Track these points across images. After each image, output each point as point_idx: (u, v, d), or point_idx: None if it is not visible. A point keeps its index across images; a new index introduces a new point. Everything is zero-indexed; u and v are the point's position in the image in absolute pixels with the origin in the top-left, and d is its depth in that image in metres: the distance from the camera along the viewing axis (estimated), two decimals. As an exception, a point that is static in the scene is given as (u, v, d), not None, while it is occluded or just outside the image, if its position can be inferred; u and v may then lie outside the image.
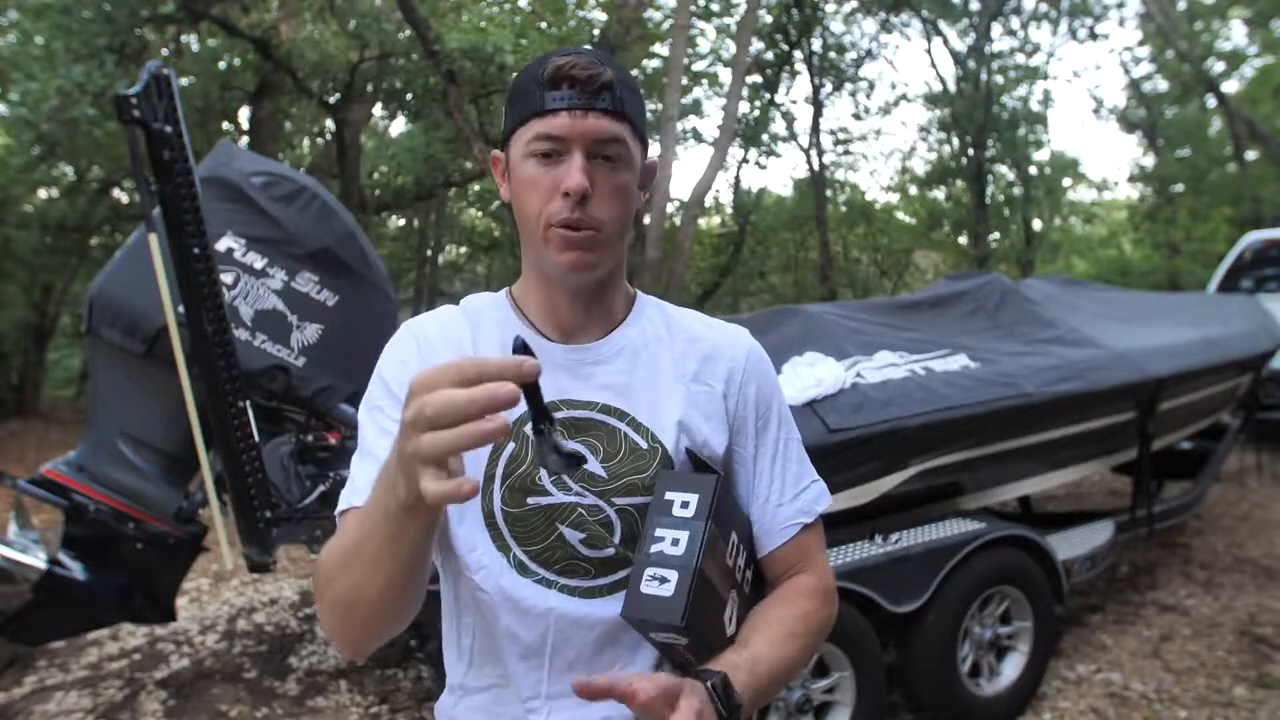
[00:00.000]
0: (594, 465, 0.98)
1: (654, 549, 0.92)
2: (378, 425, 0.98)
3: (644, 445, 1.00)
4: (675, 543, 0.91)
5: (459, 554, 0.98)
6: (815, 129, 16.42)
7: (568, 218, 0.93)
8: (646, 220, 8.64)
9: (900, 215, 19.79)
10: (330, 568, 0.87)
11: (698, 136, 16.19)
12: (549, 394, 0.99)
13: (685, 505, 0.93)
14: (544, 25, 9.04)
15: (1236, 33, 20.77)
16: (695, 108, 15.61)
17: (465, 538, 0.97)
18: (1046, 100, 17.86)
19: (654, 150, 1.07)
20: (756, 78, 15.02)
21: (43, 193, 10.76)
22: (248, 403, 2.92)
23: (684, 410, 1.02)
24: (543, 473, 0.98)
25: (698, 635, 0.90)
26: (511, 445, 0.97)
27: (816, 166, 16.57)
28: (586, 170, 0.93)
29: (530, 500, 0.97)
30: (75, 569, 2.98)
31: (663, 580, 0.89)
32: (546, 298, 1.02)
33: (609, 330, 1.04)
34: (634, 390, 1.02)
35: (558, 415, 0.98)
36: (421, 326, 1.04)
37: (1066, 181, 19.34)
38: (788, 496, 1.06)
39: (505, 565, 0.96)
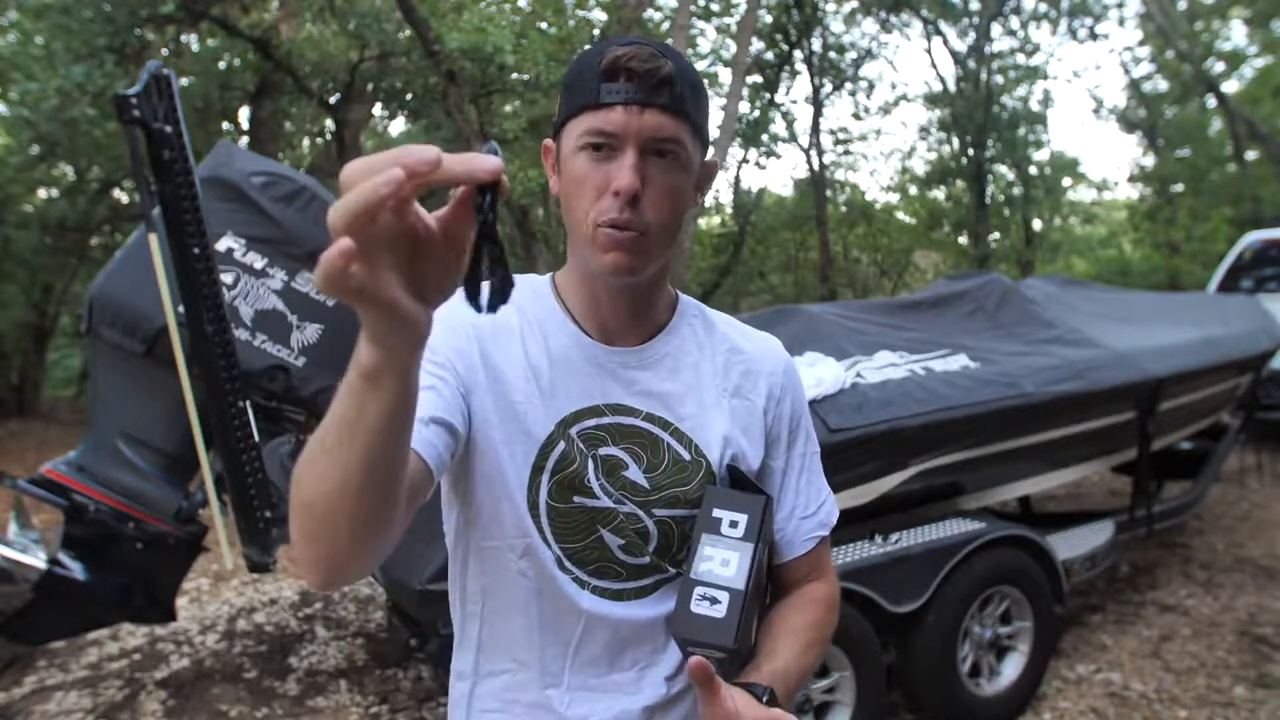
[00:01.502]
0: (635, 474, 0.98)
1: (704, 567, 0.92)
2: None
3: (687, 457, 0.99)
4: (725, 563, 0.92)
5: (505, 535, 0.97)
6: (815, 129, 16.43)
7: (615, 218, 0.89)
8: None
9: (900, 215, 19.77)
10: (296, 473, 0.75)
11: (698, 136, 16.17)
12: (592, 395, 0.98)
13: (734, 525, 0.94)
14: (544, 25, 9.02)
15: (1236, 33, 20.79)
16: (695, 108, 15.57)
17: (514, 521, 0.96)
18: (1046, 100, 17.93)
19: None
20: (756, 78, 15.01)
21: (43, 193, 10.76)
22: (248, 403, 2.92)
23: (728, 426, 1.02)
24: (590, 475, 0.96)
25: (740, 657, 0.92)
26: (562, 445, 0.96)
27: (816, 166, 16.57)
28: (639, 169, 0.88)
29: (576, 499, 0.97)
30: (75, 569, 2.98)
31: (714, 601, 0.90)
32: (589, 295, 1.00)
33: (651, 335, 1.03)
34: (677, 400, 1.01)
35: (600, 421, 0.98)
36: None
37: (1066, 181, 19.37)
38: (810, 509, 1.08)
39: (549, 557, 0.97)
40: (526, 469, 0.95)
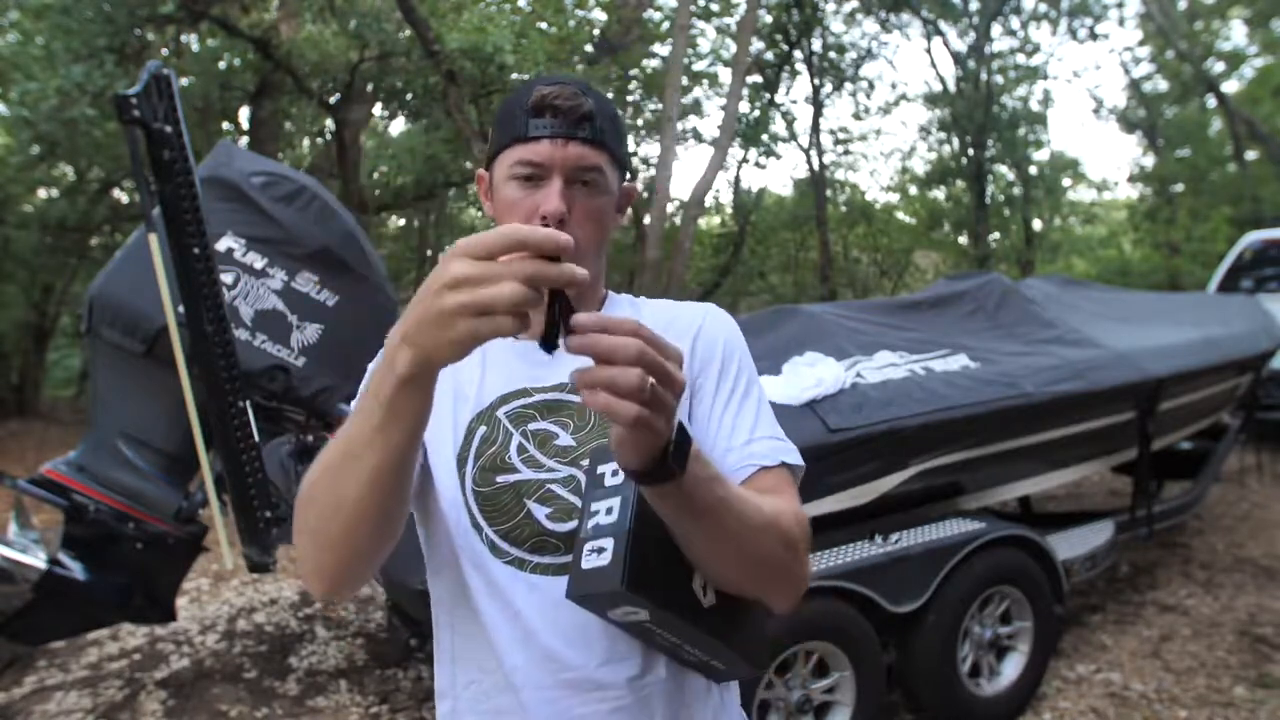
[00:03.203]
0: (565, 440, 1.01)
1: (590, 523, 0.89)
2: None
3: None
4: (609, 511, 0.89)
5: (450, 534, 1.00)
6: (815, 129, 16.44)
7: None
8: (646, 220, 8.64)
9: (900, 215, 19.78)
10: (309, 482, 0.84)
11: (698, 136, 16.20)
12: (519, 380, 1.03)
13: (615, 473, 0.91)
14: (544, 25, 9.02)
15: (1236, 33, 20.79)
16: (695, 108, 15.61)
17: (454, 518, 0.99)
18: (1046, 100, 17.91)
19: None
20: (756, 78, 15.02)
21: (43, 193, 10.76)
22: (248, 403, 2.92)
23: None
24: (511, 452, 1.00)
25: (657, 602, 0.87)
26: (483, 428, 1.01)
27: (816, 166, 16.58)
28: (564, 195, 0.97)
29: (499, 479, 0.99)
30: (75, 569, 2.98)
31: (600, 550, 0.86)
32: None
33: None
34: None
35: (527, 401, 1.02)
36: None
37: (1066, 181, 19.36)
38: (738, 441, 1.01)
39: (480, 547, 0.98)
40: (452, 462, 1.00)
